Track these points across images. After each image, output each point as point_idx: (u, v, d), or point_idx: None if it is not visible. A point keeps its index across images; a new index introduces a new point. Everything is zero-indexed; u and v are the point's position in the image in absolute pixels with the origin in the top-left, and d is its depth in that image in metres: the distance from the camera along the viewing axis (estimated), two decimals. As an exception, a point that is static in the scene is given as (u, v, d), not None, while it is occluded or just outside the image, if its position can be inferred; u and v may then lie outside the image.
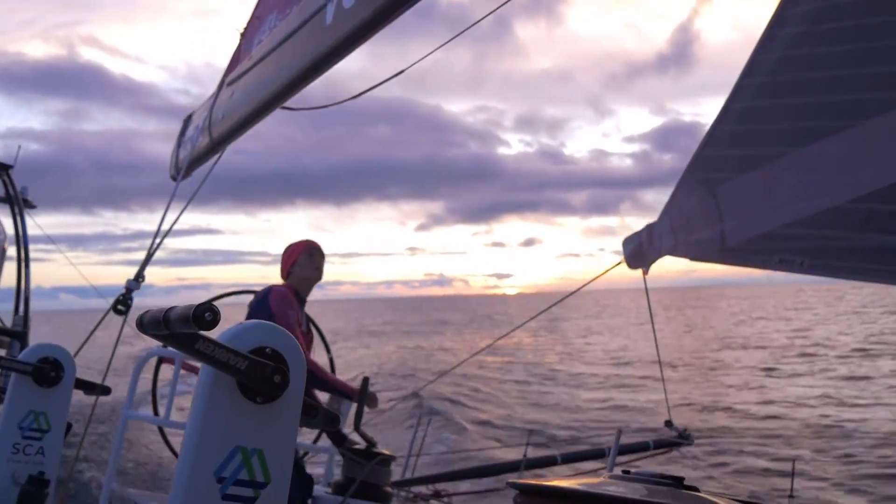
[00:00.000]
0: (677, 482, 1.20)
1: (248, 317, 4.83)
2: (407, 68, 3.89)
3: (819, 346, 32.57)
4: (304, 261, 5.14)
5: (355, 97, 4.44)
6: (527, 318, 6.64)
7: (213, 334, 1.48)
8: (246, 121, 4.42)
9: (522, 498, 1.18)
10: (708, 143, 4.85)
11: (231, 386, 1.42)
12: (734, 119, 4.71)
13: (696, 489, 1.19)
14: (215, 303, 5.65)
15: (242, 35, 4.83)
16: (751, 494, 9.60)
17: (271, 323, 1.50)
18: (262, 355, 1.44)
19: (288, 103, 4.30)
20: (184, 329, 1.31)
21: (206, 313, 1.28)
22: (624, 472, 1.22)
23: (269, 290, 4.93)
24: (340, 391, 4.76)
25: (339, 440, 4.86)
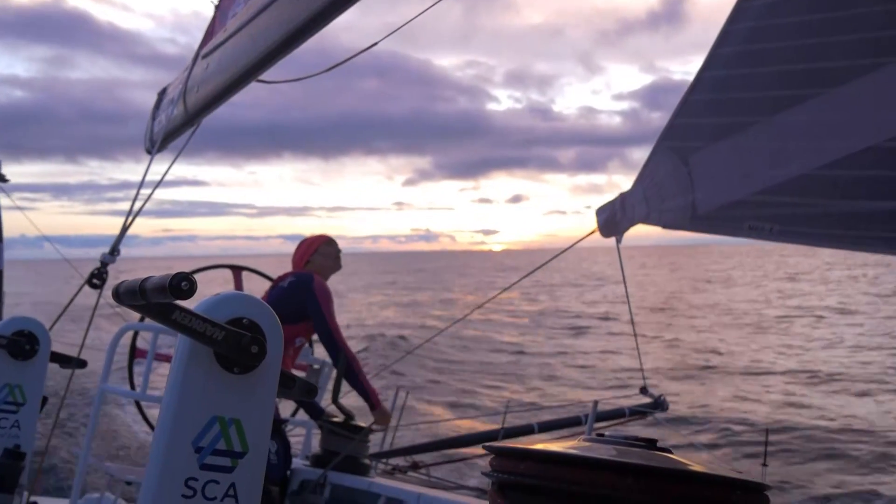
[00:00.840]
0: (650, 444, 1.23)
1: (275, 297, 4.98)
2: (394, 31, 3.86)
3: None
4: (325, 250, 5.29)
5: (330, 69, 4.41)
6: (514, 281, 6.67)
7: (190, 305, 1.50)
8: (221, 94, 4.39)
9: (497, 461, 1.21)
10: (680, 112, 4.89)
11: (208, 356, 1.43)
12: (706, 88, 4.75)
13: (668, 451, 1.23)
14: (198, 274, 5.66)
15: (217, 7, 4.79)
16: (724, 459, 9.76)
17: (248, 294, 1.52)
18: (240, 326, 1.45)
19: (264, 76, 4.27)
20: (160, 299, 1.31)
21: (182, 282, 1.28)
22: (598, 435, 1.25)
23: (312, 277, 5.07)
24: (367, 397, 4.91)
25: (317, 413, 4.90)
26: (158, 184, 4.97)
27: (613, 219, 5.22)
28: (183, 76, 4.89)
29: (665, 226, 5.05)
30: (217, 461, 1.42)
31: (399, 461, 5.49)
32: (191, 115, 4.71)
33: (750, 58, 4.55)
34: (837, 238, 4.30)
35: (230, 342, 1.41)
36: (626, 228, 5.24)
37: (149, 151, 5.26)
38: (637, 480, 1.08)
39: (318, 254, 5.26)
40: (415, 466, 5.42)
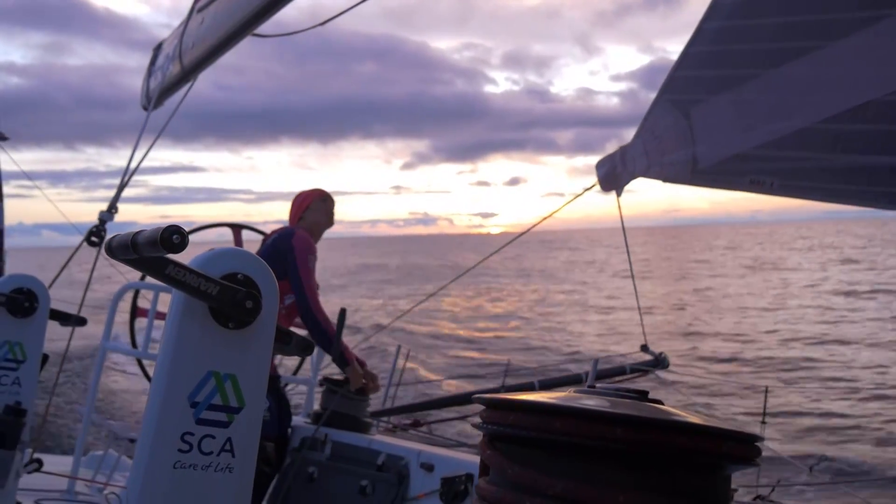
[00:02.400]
0: (641, 395, 1.22)
1: (262, 253, 4.80)
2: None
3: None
4: (317, 205, 5.09)
5: (325, 22, 4.37)
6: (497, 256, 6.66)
7: (185, 261, 1.49)
8: (217, 48, 4.35)
9: (487, 413, 1.20)
10: (681, 65, 4.84)
11: (203, 311, 1.42)
12: (707, 39, 4.69)
13: (660, 402, 1.22)
14: (198, 233, 5.64)
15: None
16: (724, 416, 9.80)
17: (243, 249, 1.50)
18: (234, 281, 1.44)
19: (260, 30, 4.22)
20: (152, 252, 1.30)
21: (174, 235, 1.27)
22: (589, 387, 1.24)
23: (294, 232, 4.93)
24: (340, 354, 4.70)
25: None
26: (162, 130, 4.95)
27: (613, 172, 5.19)
28: (178, 31, 4.84)
29: (666, 179, 5.02)
30: (213, 416, 1.42)
31: (401, 419, 5.51)
32: (187, 71, 4.68)
33: (751, 9, 4.50)
34: (838, 193, 4.28)
35: (225, 297, 1.40)
36: (627, 182, 5.20)
37: (145, 108, 5.22)
38: (626, 431, 1.07)
39: (311, 210, 5.10)
40: (416, 424, 5.44)
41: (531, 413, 1.12)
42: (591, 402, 1.14)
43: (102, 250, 4.43)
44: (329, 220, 5.18)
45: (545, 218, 6.21)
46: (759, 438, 1.16)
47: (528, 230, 6.35)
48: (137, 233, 1.34)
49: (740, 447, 1.12)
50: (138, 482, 1.36)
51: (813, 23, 4.23)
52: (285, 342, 1.73)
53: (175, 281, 1.36)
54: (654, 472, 1.09)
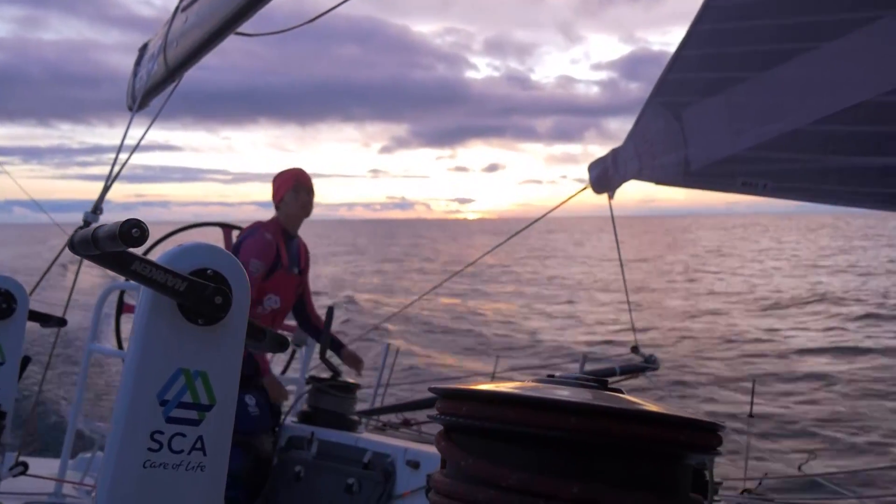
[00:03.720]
0: (601, 384, 1.20)
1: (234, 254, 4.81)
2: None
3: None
4: (290, 198, 4.99)
5: (310, 21, 4.36)
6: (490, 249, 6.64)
7: (154, 257, 1.46)
8: (200, 47, 4.34)
9: (442, 403, 1.17)
10: (673, 68, 4.82)
11: (172, 308, 1.40)
12: (699, 43, 4.68)
13: (620, 391, 1.19)
14: (187, 231, 5.63)
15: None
16: (710, 413, 9.77)
17: (212, 244, 1.48)
18: (204, 277, 1.41)
19: (244, 28, 4.21)
20: (112, 247, 1.28)
21: (132, 229, 1.24)
22: (549, 375, 1.22)
23: (249, 234, 4.90)
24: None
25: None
26: (143, 135, 4.93)
27: (605, 175, 5.18)
28: (163, 31, 4.84)
29: (658, 182, 5.01)
30: (183, 414, 1.40)
31: (390, 418, 5.50)
32: (171, 70, 4.67)
33: (743, 12, 4.48)
34: (830, 194, 4.26)
35: (193, 293, 1.38)
36: (619, 185, 5.19)
37: (130, 108, 5.20)
38: (581, 420, 1.04)
39: (284, 203, 4.99)
40: (406, 423, 5.42)
41: (485, 403, 1.10)
42: (547, 392, 1.11)
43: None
44: (303, 211, 5.05)
45: (543, 216, 6.22)
46: (720, 427, 1.13)
47: (530, 225, 6.36)
48: (98, 227, 1.32)
49: (699, 435, 1.09)
50: (107, 482, 1.33)
51: (804, 25, 4.22)
52: (258, 339, 1.70)
53: (141, 277, 1.33)
54: (610, 461, 1.06)
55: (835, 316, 21.05)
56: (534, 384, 1.18)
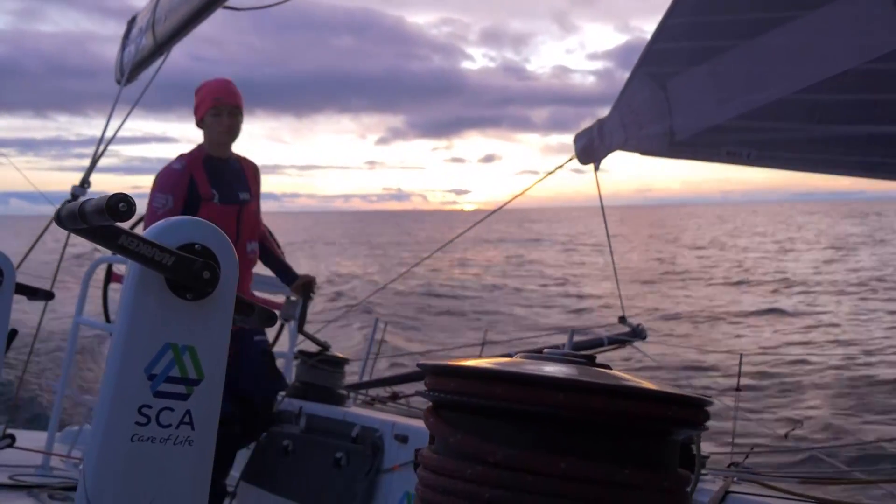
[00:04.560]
0: (588, 360, 1.20)
1: None
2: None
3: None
4: (210, 121, 4.30)
5: (297, -7, 4.32)
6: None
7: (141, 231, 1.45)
8: (188, 20, 4.31)
9: (430, 380, 1.18)
10: (658, 37, 4.80)
11: (159, 283, 1.40)
12: (685, 11, 4.66)
13: (607, 367, 1.20)
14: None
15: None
16: (699, 389, 9.84)
17: (200, 219, 1.47)
18: (192, 252, 1.41)
19: (233, 3, 4.17)
20: (99, 221, 1.27)
21: (119, 203, 1.24)
22: (536, 351, 1.22)
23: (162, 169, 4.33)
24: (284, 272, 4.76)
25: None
26: (135, 105, 4.89)
27: (591, 145, 5.16)
28: (151, 4, 4.79)
29: (643, 152, 5.00)
30: (171, 388, 1.40)
31: (378, 392, 5.50)
32: (159, 44, 4.63)
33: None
34: (815, 162, 4.27)
35: (180, 267, 1.38)
36: (604, 155, 5.18)
37: (119, 82, 5.16)
38: (569, 396, 1.05)
39: (205, 125, 4.33)
40: (394, 397, 5.43)
41: (472, 379, 1.10)
42: (534, 368, 1.11)
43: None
44: (226, 137, 4.36)
45: (524, 191, 6.19)
46: (708, 402, 1.14)
47: (505, 204, 6.34)
48: (85, 201, 1.31)
49: (686, 411, 1.10)
50: (95, 455, 1.34)
51: (790, -8, 4.21)
52: (247, 313, 1.70)
53: (128, 251, 1.33)
54: (597, 437, 1.07)
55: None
56: (522, 360, 1.19)
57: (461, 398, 1.11)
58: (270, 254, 4.85)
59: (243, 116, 4.42)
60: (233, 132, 4.35)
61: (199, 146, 4.36)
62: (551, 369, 1.11)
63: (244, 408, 4.26)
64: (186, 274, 1.39)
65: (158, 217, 3.65)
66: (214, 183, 4.29)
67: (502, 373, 1.09)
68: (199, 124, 4.35)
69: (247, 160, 4.55)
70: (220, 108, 4.27)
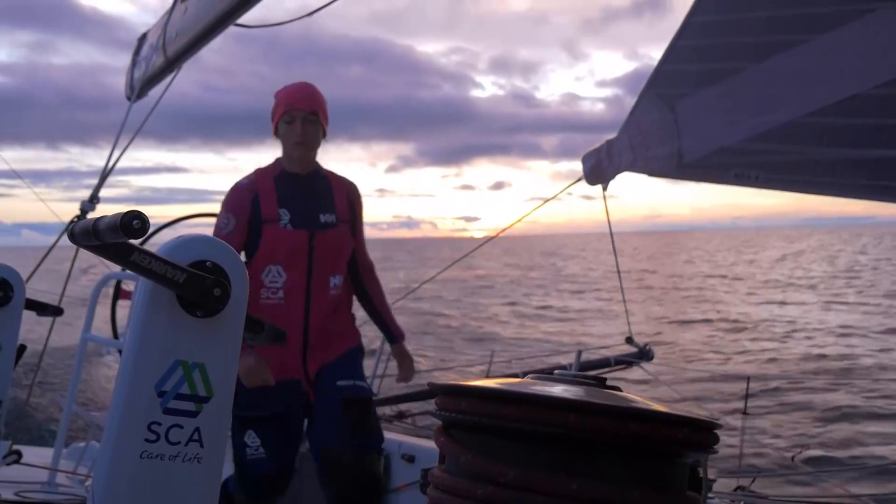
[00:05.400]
0: (599, 382, 1.21)
1: None
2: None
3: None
4: (283, 129, 3.75)
5: (311, 14, 4.35)
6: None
7: (153, 249, 1.47)
8: (199, 38, 4.34)
9: (441, 400, 1.18)
10: (667, 59, 4.83)
11: (170, 299, 1.41)
12: (694, 34, 4.68)
13: (617, 389, 1.20)
14: (177, 224, 5.62)
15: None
16: (706, 411, 9.81)
17: (211, 236, 1.49)
18: (203, 269, 1.42)
19: (244, 21, 4.20)
20: (113, 238, 1.29)
21: (133, 220, 1.25)
22: (546, 371, 1.23)
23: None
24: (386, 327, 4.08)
25: None
26: (142, 125, 4.92)
27: (599, 166, 5.19)
28: (162, 22, 4.83)
29: (651, 173, 5.02)
30: (181, 405, 1.41)
31: (385, 410, 5.50)
32: (170, 61, 4.66)
33: (737, 3, 4.49)
34: (823, 185, 4.27)
35: (192, 285, 1.39)
36: (612, 176, 5.20)
37: (129, 98, 5.20)
38: (579, 417, 1.05)
39: (280, 136, 3.81)
40: (400, 416, 5.43)
41: (483, 399, 1.11)
42: (545, 389, 1.12)
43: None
44: (301, 149, 3.75)
45: (531, 212, 6.21)
46: (717, 425, 1.14)
47: (510, 226, 6.36)
48: (99, 219, 1.32)
49: (696, 434, 1.10)
50: (104, 472, 1.35)
51: (799, 16, 4.23)
52: (256, 331, 1.71)
53: (140, 268, 1.34)
54: (608, 459, 1.08)
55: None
56: (532, 381, 1.20)
57: (472, 418, 1.12)
58: (370, 300, 4.09)
59: (325, 126, 3.83)
60: (308, 143, 3.74)
61: (277, 160, 3.84)
62: (562, 391, 1.12)
63: (321, 466, 3.73)
64: (197, 291, 1.40)
65: (230, 235, 3.58)
66: (285, 202, 3.69)
67: (513, 393, 1.10)
68: (276, 134, 3.83)
69: (340, 178, 3.94)
70: (293, 115, 3.69)
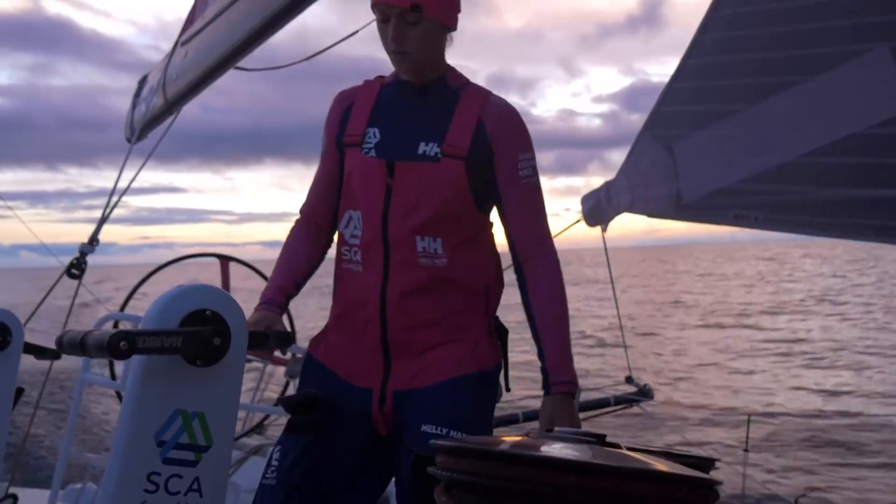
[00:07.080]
0: (599, 439, 1.21)
1: None
2: (364, 27, 3.85)
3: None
4: (379, 30, 2.40)
5: (308, 59, 4.40)
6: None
7: (155, 296, 1.48)
8: (200, 81, 4.38)
9: (441, 458, 1.19)
10: (665, 101, 4.87)
11: None
12: (690, 76, 4.73)
13: (618, 446, 1.21)
14: (185, 262, 5.61)
15: (197, -6, 4.78)
16: (705, 448, 9.76)
17: (210, 285, 1.50)
18: (202, 318, 1.43)
19: (244, 63, 4.24)
20: (99, 356, 1.32)
21: (121, 342, 1.27)
22: (547, 430, 1.23)
23: None
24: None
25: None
26: (143, 165, 4.95)
27: (598, 207, 5.22)
28: (162, 64, 4.87)
29: (650, 214, 5.04)
30: (180, 455, 1.41)
31: None
32: (170, 104, 4.70)
33: (733, 45, 4.53)
34: (821, 226, 4.29)
35: (191, 342, 1.40)
36: (612, 217, 5.23)
37: (129, 140, 5.24)
38: (579, 478, 1.06)
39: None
40: None
41: (483, 459, 1.11)
42: (546, 449, 1.13)
43: (83, 280, 4.42)
44: (397, 53, 2.34)
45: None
46: (716, 483, 1.15)
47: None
48: (87, 333, 1.34)
49: (696, 493, 1.11)
50: None
51: (795, 57, 4.27)
52: (262, 343, 1.72)
53: (141, 353, 1.35)
54: (608, 519, 1.08)
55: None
56: (533, 440, 1.20)
57: (473, 478, 1.13)
58: (529, 313, 2.52)
59: (445, 19, 2.39)
60: (406, 46, 2.34)
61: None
62: (563, 450, 1.13)
63: None
64: (197, 345, 1.41)
65: (321, 162, 2.60)
66: (380, 119, 2.47)
67: (513, 454, 1.10)
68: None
69: (480, 96, 2.49)
70: (383, 9, 2.31)
